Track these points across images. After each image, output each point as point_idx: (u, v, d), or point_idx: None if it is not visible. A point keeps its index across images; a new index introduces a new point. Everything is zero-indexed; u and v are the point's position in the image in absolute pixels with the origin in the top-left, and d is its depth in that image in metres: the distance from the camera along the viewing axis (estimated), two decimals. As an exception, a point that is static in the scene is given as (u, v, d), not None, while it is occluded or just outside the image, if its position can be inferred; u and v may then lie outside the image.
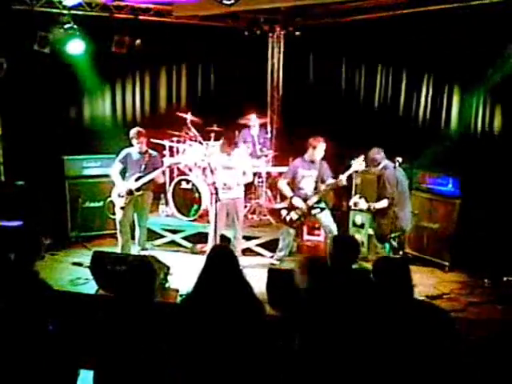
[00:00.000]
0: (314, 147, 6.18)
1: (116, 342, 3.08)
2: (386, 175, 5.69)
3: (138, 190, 6.42)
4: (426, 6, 6.82)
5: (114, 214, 6.77)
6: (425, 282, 6.13)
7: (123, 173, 6.54)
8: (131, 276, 3.22)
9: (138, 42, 7.73)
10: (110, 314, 3.19)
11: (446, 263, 6.53)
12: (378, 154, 5.82)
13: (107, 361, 3.10)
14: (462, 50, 6.63)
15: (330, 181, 6.20)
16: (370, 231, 6.56)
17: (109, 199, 6.88)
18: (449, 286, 6.03)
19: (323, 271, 3.52)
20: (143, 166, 6.45)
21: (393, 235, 5.66)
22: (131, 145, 6.51)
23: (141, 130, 6.51)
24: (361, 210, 6.58)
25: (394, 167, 5.65)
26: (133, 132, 6.47)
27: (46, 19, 7.17)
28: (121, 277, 4.21)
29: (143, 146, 6.47)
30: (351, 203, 6.21)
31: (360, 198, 5.98)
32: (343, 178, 6.02)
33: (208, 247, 6.39)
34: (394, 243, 5.66)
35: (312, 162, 6.27)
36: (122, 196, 6.40)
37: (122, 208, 6.44)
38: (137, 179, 6.42)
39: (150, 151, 6.59)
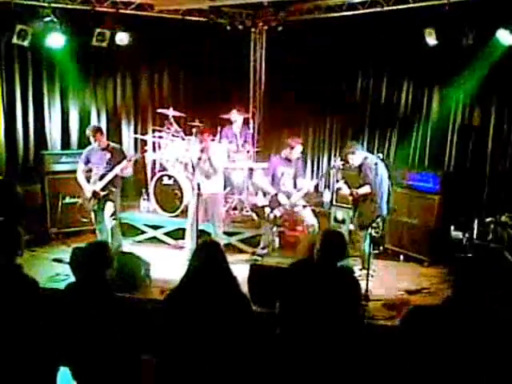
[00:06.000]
0: (292, 147, 6.39)
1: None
2: (367, 163, 5.93)
3: (103, 189, 6.18)
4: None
5: (84, 217, 6.56)
6: (404, 277, 6.20)
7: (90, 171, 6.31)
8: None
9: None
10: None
11: (426, 258, 6.61)
12: (353, 146, 6.11)
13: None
14: (443, 45, 6.67)
15: (304, 190, 6.34)
16: (351, 226, 6.62)
17: (78, 202, 6.54)
18: (428, 281, 6.08)
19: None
20: (106, 163, 6.17)
21: (373, 224, 5.75)
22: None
23: (97, 126, 6.27)
24: (343, 205, 6.77)
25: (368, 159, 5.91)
26: (89, 129, 6.24)
27: (25, 12, 7.05)
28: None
29: (102, 142, 6.19)
30: (335, 188, 6.44)
31: (343, 183, 6.19)
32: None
33: (186, 242, 6.37)
34: (373, 232, 5.74)
35: (288, 159, 6.45)
36: (90, 199, 6.23)
37: (94, 211, 6.31)
38: (100, 178, 6.19)
39: (113, 145, 6.34)
